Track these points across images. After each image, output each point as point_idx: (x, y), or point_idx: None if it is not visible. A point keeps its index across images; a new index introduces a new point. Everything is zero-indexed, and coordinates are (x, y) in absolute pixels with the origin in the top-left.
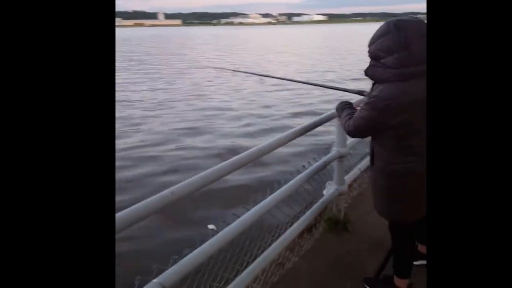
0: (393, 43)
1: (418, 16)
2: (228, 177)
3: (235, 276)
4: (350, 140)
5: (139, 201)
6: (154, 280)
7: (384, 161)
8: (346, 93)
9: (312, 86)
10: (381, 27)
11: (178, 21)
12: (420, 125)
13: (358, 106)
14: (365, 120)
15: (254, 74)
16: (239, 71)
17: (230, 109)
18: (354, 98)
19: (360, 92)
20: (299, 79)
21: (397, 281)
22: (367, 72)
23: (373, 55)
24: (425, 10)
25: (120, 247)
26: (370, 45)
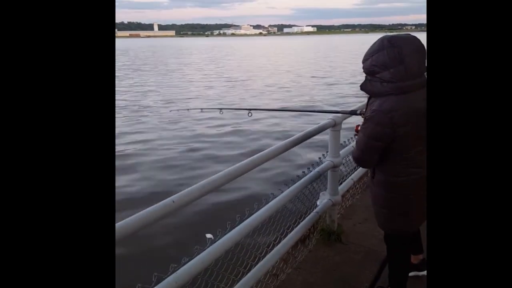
0: (388, 58)
1: (405, 27)
2: (226, 186)
3: (231, 286)
4: (343, 150)
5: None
6: None
7: (385, 174)
8: (338, 115)
9: (304, 112)
10: (374, 43)
11: (172, 32)
12: (420, 136)
13: (358, 126)
14: (370, 138)
15: (241, 109)
16: (224, 109)
17: None
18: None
19: (353, 112)
20: (287, 107)
21: None
22: (364, 87)
23: (369, 71)
24: (411, 22)
25: (120, 255)
26: (364, 61)
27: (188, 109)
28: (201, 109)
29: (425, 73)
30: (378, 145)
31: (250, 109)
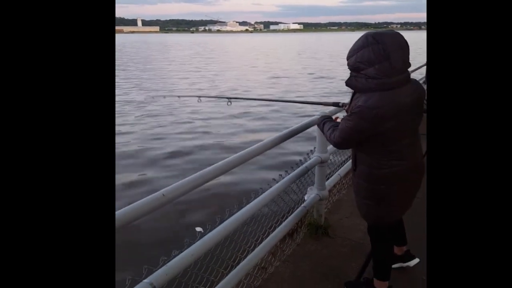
0: (373, 55)
1: (391, 25)
2: (215, 180)
3: (220, 279)
4: (330, 146)
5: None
6: (145, 280)
7: (368, 166)
8: (321, 106)
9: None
10: (358, 40)
11: (156, 28)
12: (403, 131)
13: (338, 117)
14: (353, 130)
15: (220, 97)
16: (203, 96)
17: None
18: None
19: (335, 104)
20: (271, 97)
21: (377, 283)
22: (349, 83)
23: (353, 67)
24: (397, 20)
25: None
26: (349, 57)
27: (164, 96)
28: (179, 96)
29: (409, 69)
30: (359, 137)
31: (230, 98)
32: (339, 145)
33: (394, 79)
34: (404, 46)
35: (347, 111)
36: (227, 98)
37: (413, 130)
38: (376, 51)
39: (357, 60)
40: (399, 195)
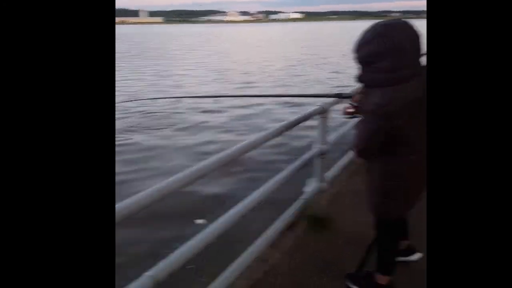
0: (384, 47)
1: (391, 14)
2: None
3: (221, 271)
4: (330, 138)
5: None
6: (147, 273)
7: (380, 161)
8: (323, 98)
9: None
10: (367, 32)
11: (160, 19)
12: (414, 125)
13: (349, 109)
14: (374, 131)
15: (207, 97)
16: (183, 97)
17: None
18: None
19: (338, 95)
20: (272, 93)
21: (379, 278)
22: (361, 79)
23: (363, 61)
24: (397, 9)
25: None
26: (357, 50)
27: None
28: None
29: (420, 61)
30: (381, 137)
31: (213, 97)
32: (363, 152)
33: (406, 71)
34: (416, 37)
35: (358, 106)
36: (210, 97)
37: (422, 122)
38: (388, 44)
39: (367, 53)
40: (409, 189)
